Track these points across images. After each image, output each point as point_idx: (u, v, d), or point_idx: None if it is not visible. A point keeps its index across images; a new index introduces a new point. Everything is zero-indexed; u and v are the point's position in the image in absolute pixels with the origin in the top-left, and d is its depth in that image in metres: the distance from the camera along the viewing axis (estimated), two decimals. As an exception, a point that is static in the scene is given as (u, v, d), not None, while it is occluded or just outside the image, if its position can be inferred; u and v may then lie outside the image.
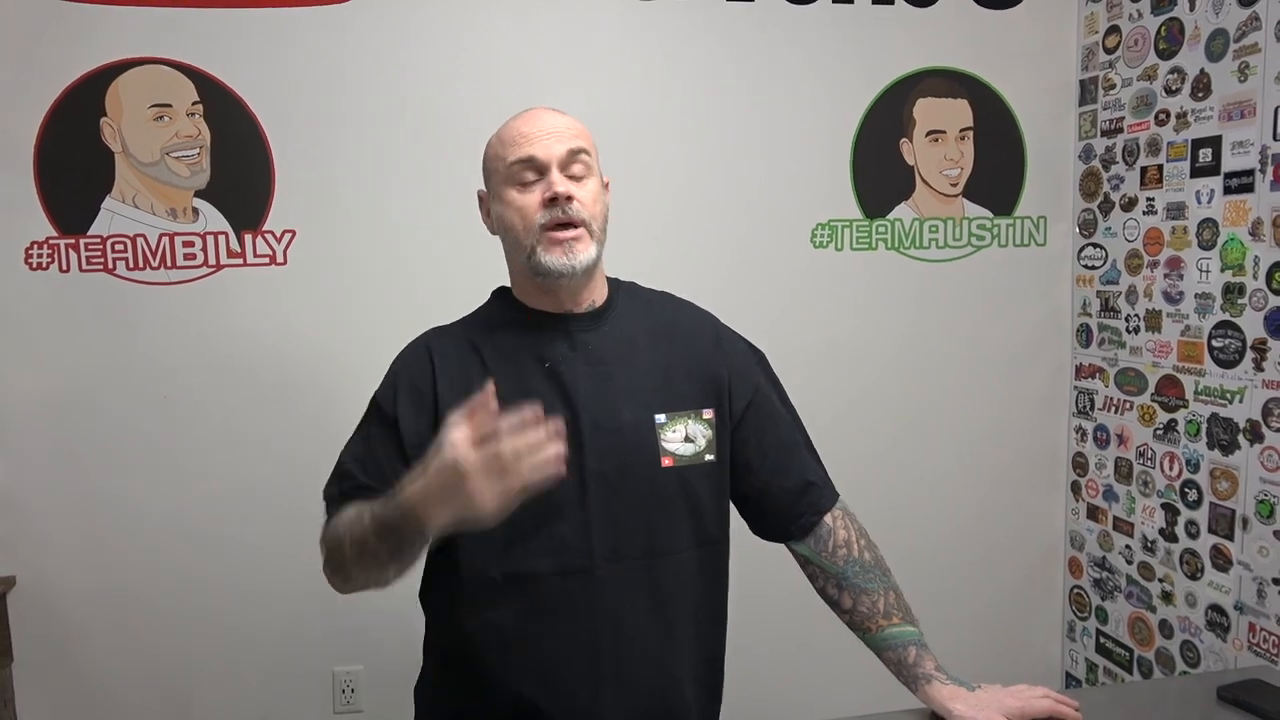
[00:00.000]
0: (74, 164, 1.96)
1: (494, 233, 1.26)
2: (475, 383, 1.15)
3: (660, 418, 1.20)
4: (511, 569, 1.16)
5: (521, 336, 1.22)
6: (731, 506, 1.30)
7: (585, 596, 1.16)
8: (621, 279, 1.33)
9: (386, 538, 1.06)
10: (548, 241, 1.16)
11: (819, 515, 1.28)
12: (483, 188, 1.27)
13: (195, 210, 2.01)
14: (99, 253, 1.99)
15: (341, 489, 1.20)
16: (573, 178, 1.18)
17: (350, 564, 1.12)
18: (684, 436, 1.21)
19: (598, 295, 1.25)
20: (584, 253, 1.17)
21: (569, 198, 1.16)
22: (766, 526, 1.30)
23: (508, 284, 1.29)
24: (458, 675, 1.22)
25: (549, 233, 1.16)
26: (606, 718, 1.17)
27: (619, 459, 1.17)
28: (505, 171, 1.19)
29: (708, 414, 1.23)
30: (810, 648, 2.02)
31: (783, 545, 1.32)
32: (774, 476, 1.27)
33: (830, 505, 1.29)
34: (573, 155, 1.18)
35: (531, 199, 1.17)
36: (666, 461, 1.19)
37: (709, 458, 1.22)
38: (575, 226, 1.17)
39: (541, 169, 1.17)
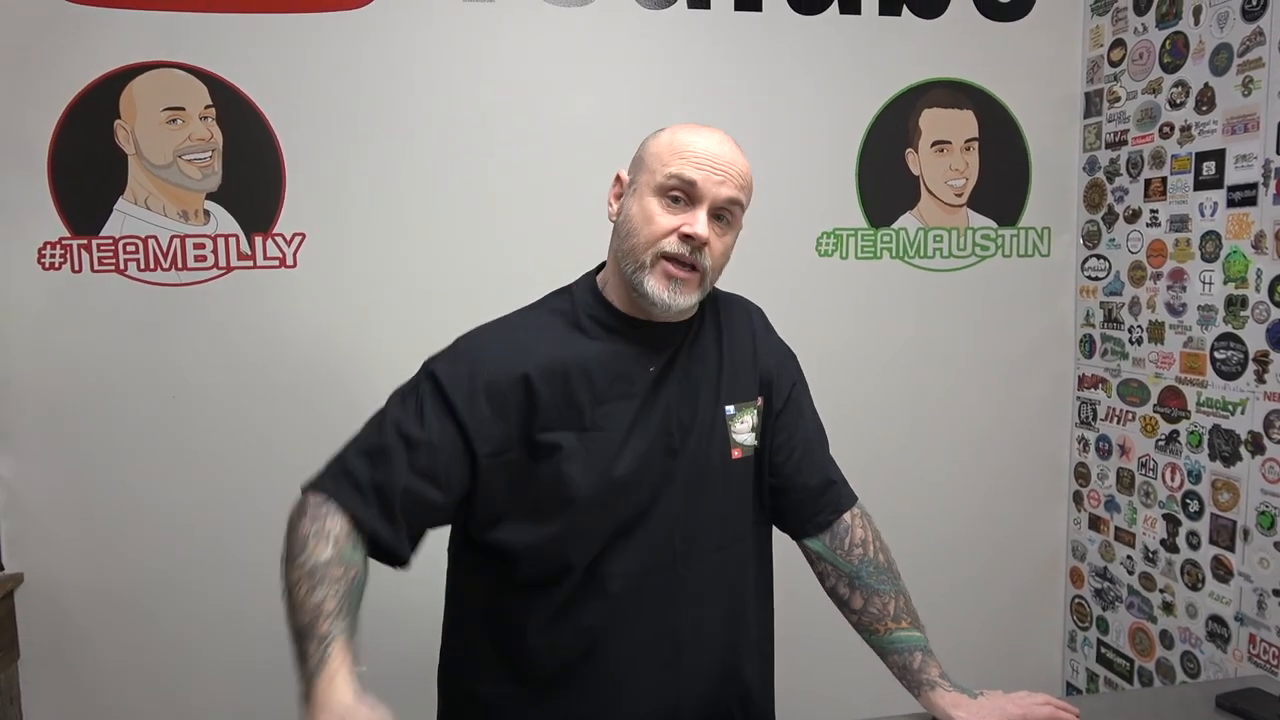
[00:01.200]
0: (87, 166, 1.98)
1: (612, 220, 1.21)
2: (577, 386, 1.14)
3: (730, 409, 1.23)
4: (599, 572, 1.16)
5: (621, 339, 1.19)
6: None
7: (668, 592, 1.19)
8: None
9: (295, 644, 1.07)
10: (660, 271, 1.13)
11: (838, 513, 1.29)
12: (624, 171, 1.22)
13: (206, 213, 2.03)
14: (111, 254, 2.01)
15: (376, 487, 1.12)
16: (717, 218, 1.15)
17: (290, 599, 1.08)
18: (750, 426, 1.24)
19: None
20: (687, 298, 1.14)
21: (704, 244, 1.13)
22: (785, 521, 1.32)
23: (569, 282, 1.26)
24: (517, 688, 1.21)
25: (666, 263, 1.13)
26: (681, 709, 1.20)
27: (700, 455, 1.20)
28: (661, 177, 1.13)
29: (759, 402, 1.26)
30: (813, 650, 2.02)
31: (793, 543, 1.34)
32: (799, 471, 1.29)
33: (850, 505, 1.31)
34: (730, 203, 1.15)
35: (669, 221, 1.12)
36: (736, 454, 1.22)
37: (755, 444, 1.25)
38: (693, 270, 1.14)
39: (695, 199, 1.13)
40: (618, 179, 1.22)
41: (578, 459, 1.13)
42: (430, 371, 1.17)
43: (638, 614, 1.18)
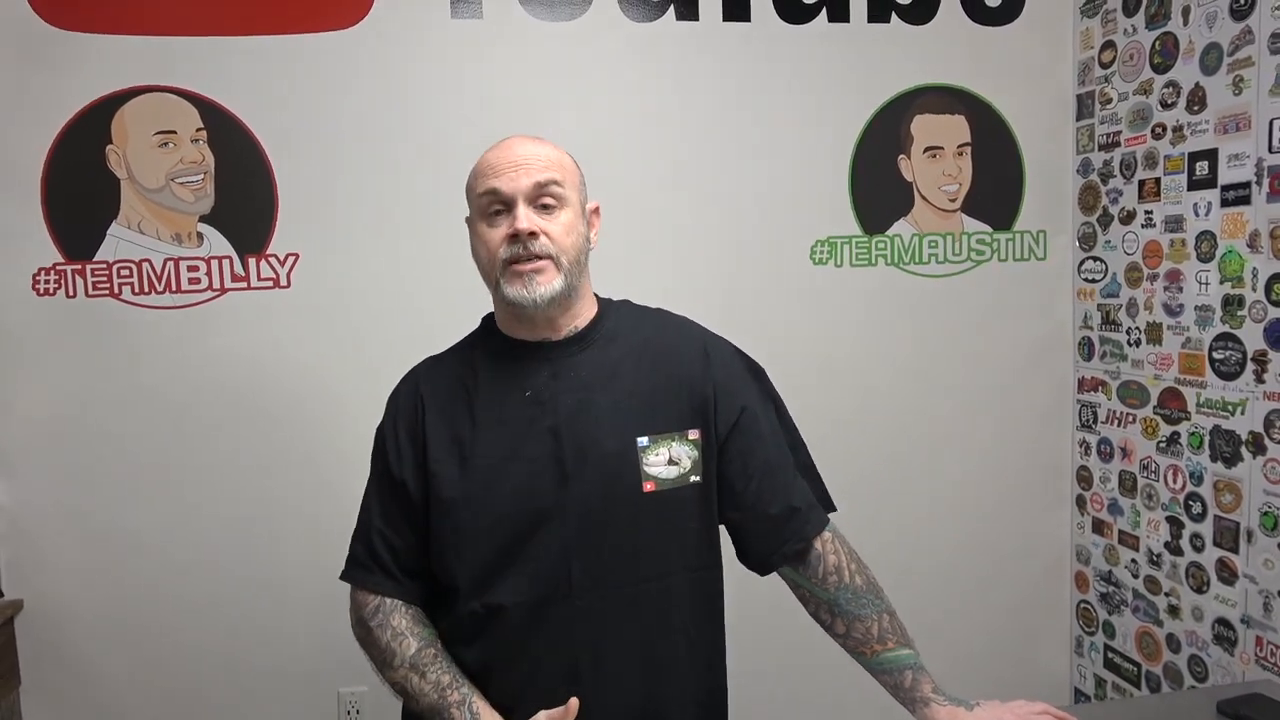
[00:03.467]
0: (80, 191, 1.99)
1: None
2: (457, 415, 1.21)
3: (643, 440, 1.19)
4: (490, 601, 1.17)
5: (505, 366, 1.23)
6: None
7: (564, 625, 1.16)
8: (614, 298, 1.32)
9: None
10: (510, 275, 1.16)
11: (804, 542, 1.25)
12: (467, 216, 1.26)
13: (200, 235, 2.04)
14: (105, 278, 2.01)
15: (373, 556, 1.25)
16: (543, 209, 1.17)
17: (407, 693, 1.20)
18: (667, 459, 1.19)
19: (580, 320, 1.24)
20: (545, 285, 1.16)
21: (532, 234, 1.14)
22: (750, 555, 1.28)
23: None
24: None
25: (511, 266, 1.16)
26: None
27: (601, 485, 1.17)
28: (476, 203, 1.19)
29: (693, 435, 1.21)
30: (812, 662, 2.01)
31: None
32: (758, 502, 1.24)
33: (816, 532, 1.26)
34: (540, 188, 1.16)
35: (497, 234, 1.17)
36: (648, 486, 1.18)
37: (694, 479, 1.21)
38: (538, 259, 1.16)
39: (507, 203, 1.16)
40: (469, 226, 1.25)
41: (458, 487, 1.18)
42: (379, 430, 1.29)
43: (531, 643, 1.17)
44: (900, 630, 1.24)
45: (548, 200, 1.17)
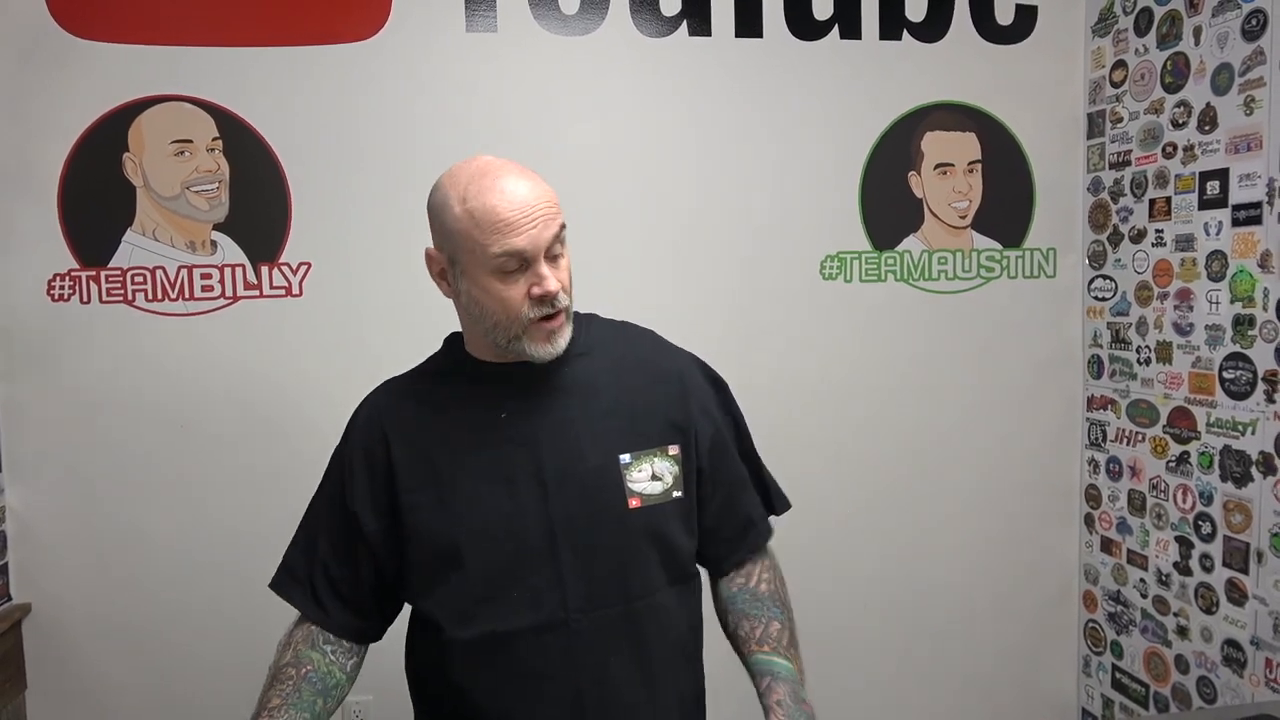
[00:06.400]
0: (97, 198, 2.01)
1: (449, 296, 1.19)
2: (430, 442, 1.17)
3: (625, 458, 1.16)
4: (487, 629, 1.13)
5: (477, 387, 1.19)
6: None
7: (564, 650, 1.13)
8: (580, 311, 1.27)
9: None
10: (535, 333, 1.12)
11: (755, 552, 1.30)
12: (432, 248, 1.18)
13: (213, 243, 2.05)
14: (119, 284, 2.03)
15: (310, 577, 1.22)
16: (552, 258, 1.11)
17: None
18: (650, 475, 1.17)
19: None
20: (565, 335, 1.14)
21: (558, 291, 1.10)
22: (706, 559, 1.30)
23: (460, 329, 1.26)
24: None
25: (538, 324, 1.11)
26: None
27: (586, 504, 1.14)
28: (486, 258, 1.08)
29: (673, 450, 1.20)
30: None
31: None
32: (722, 512, 1.26)
33: (764, 542, 1.31)
34: (555, 238, 1.10)
35: (517, 291, 1.09)
36: (634, 503, 1.15)
37: (677, 494, 1.19)
38: (560, 314, 1.13)
39: (529, 259, 1.08)
40: (430, 259, 1.18)
41: (436, 515, 1.14)
42: (335, 454, 1.25)
43: (530, 672, 1.13)
44: (782, 643, 1.20)
45: (556, 248, 1.11)
